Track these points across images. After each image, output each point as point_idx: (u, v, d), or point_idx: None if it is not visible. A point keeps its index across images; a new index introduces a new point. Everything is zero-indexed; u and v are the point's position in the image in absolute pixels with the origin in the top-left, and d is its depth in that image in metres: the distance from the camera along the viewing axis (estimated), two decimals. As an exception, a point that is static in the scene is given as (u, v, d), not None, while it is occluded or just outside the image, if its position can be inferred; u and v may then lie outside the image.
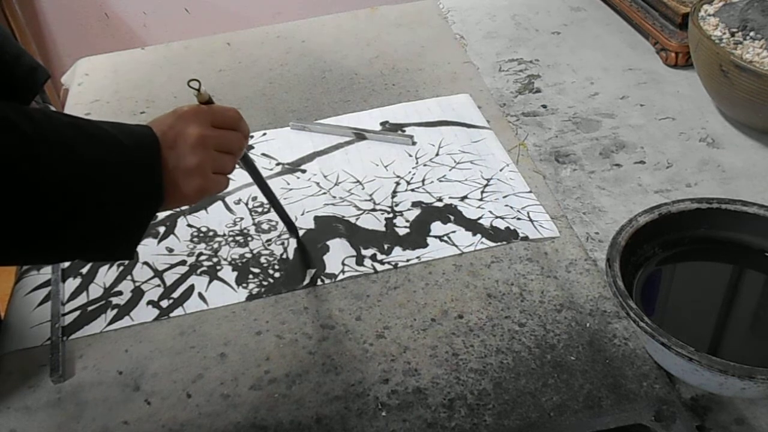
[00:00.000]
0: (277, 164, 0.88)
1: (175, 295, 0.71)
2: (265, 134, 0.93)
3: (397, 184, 0.83)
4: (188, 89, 0.59)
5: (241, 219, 0.80)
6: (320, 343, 0.66)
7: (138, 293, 0.72)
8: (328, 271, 0.73)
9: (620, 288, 0.60)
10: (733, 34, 0.85)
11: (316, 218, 0.79)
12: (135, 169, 0.52)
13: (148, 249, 0.77)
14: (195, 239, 0.78)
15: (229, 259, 0.75)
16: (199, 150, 0.56)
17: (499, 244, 0.75)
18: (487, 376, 0.62)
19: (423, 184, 0.83)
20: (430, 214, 0.79)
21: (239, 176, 0.86)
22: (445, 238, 0.76)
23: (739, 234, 0.69)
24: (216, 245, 0.77)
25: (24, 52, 0.69)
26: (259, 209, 0.81)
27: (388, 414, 0.59)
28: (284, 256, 0.75)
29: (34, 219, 0.46)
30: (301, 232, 0.78)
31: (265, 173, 0.86)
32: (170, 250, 0.77)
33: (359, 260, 0.74)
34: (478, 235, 0.76)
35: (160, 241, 0.78)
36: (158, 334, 0.68)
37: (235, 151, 0.61)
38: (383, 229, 0.77)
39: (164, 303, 0.71)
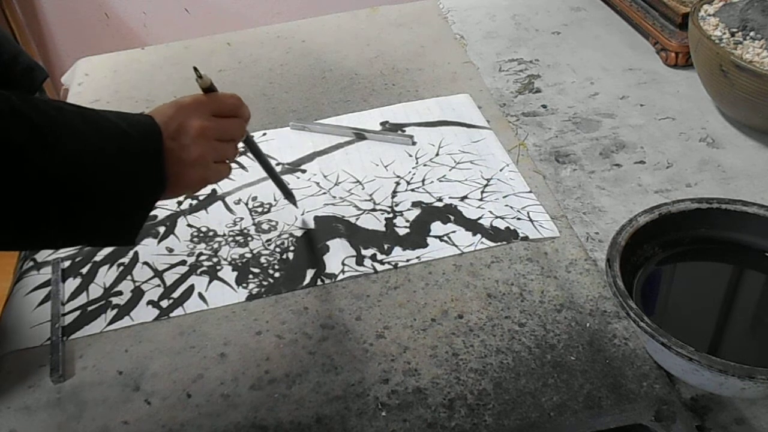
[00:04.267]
0: (277, 164, 0.88)
1: (175, 295, 0.71)
2: (265, 134, 0.93)
3: (397, 184, 0.83)
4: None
5: (241, 219, 0.80)
6: (320, 343, 0.66)
7: (138, 293, 0.72)
8: (328, 271, 0.73)
9: (620, 288, 0.60)
10: (733, 34, 0.85)
11: (316, 218, 0.79)
12: (139, 160, 0.52)
13: (148, 249, 0.77)
14: (195, 239, 0.78)
15: (229, 259, 0.75)
16: (200, 142, 0.57)
17: (499, 244, 0.74)
18: (487, 376, 0.62)
19: (423, 184, 0.83)
20: (430, 214, 0.79)
21: (239, 176, 0.86)
22: (445, 238, 0.76)
23: (739, 234, 0.68)
24: (216, 245, 0.77)
25: (22, 51, 0.69)
26: (259, 209, 0.81)
27: (388, 414, 0.59)
28: (284, 257, 0.75)
29: (42, 206, 0.47)
30: (301, 232, 0.78)
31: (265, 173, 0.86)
32: (170, 250, 0.77)
33: (359, 260, 0.74)
34: (478, 235, 0.75)
35: (160, 241, 0.78)
36: (158, 334, 0.68)
37: (237, 137, 0.62)
38: (383, 229, 0.77)
39: (164, 303, 0.71)
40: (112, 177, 0.51)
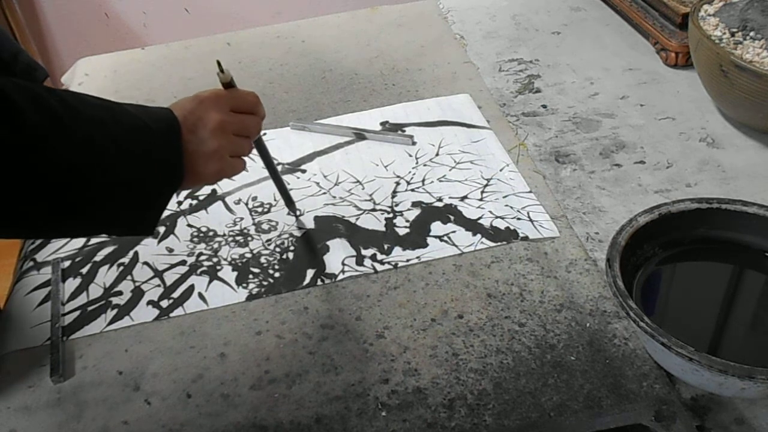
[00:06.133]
0: (277, 164, 0.87)
1: (175, 295, 0.71)
2: (265, 134, 0.92)
3: (397, 184, 0.83)
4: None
5: (241, 219, 0.80)
6: (320, 343, 0.66)
7: (138, 293, 0.72)
8: (328, 271, 0.73)
9: (620, 288, 0.60)
10: (733, 34, 0.85)
11: (316, 218, 0.79)
12: (158, 152, 0.54)
13: (148, 249, 0.77)
14: (195, 239, 0.78)
15: (229, 259, 0.75)
16: (218, 135, 0.58)
17: (499, 244, 0.74)
18: (487, 376, 0.62)
19: (423, 184, 0.83)
20: (430, 214, 0.79)
21: (239, 176, 0.86)
22: (445, 238, 0.76)
23: (739, 234, 0.68)
24: (216, 245, 0.77)
25: (21, 50, 0.69)
26: (259, 209, 0.81)
27: (388, 414, 0.59)
28: (284, 257, 0.75)
29: (62, 193, 0.48)
30: (301, 232, 0.78)
31: (265, 173, 0.86)
32: (170, 250, 0.77)
33: (359, 260, 0.74)
34: (478, 235, 0.76)
35: (160, 241, 0.78)
36: (158, 334, 0.68)
37: (252, 135, 0.64)
38: (383, 229, 0.77)
39: (164, 303, 0.71)
40: (131, 168, 0.52)
